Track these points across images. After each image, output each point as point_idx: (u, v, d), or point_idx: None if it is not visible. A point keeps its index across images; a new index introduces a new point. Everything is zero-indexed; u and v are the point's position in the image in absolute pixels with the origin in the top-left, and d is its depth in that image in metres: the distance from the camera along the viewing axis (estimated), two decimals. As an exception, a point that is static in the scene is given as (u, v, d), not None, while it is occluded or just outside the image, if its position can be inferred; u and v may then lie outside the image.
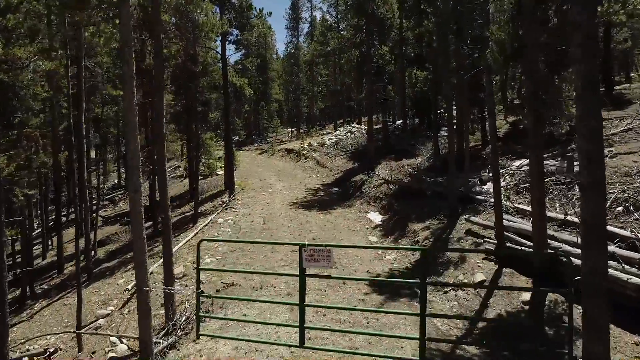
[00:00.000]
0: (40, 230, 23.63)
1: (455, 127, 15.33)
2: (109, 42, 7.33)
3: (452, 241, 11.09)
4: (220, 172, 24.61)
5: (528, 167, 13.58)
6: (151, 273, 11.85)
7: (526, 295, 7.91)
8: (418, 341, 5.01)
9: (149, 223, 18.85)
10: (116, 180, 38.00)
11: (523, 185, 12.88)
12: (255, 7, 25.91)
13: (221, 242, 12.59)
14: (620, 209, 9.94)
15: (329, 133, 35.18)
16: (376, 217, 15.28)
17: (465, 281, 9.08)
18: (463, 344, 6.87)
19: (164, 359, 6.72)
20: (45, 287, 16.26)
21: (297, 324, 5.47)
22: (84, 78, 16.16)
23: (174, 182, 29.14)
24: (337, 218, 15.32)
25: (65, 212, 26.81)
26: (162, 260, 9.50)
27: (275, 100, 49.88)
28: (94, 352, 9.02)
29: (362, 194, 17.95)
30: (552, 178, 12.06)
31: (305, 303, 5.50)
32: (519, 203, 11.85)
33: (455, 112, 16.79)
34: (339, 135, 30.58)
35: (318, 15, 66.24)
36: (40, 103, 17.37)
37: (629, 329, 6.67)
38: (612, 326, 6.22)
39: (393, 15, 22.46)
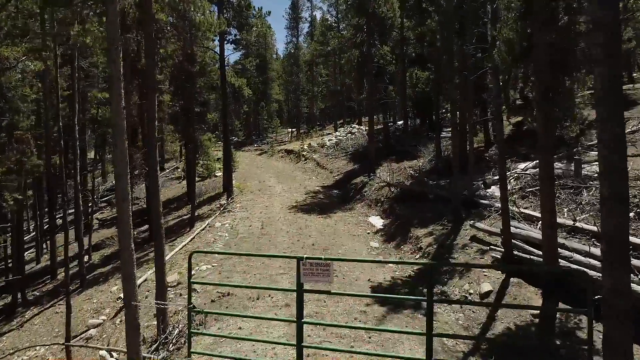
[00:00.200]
0: (34, 233, 23.24)
1: (458, 128, 14.94)
2: (97, 41, 6.96)
3: (456, 248, 10.70)
4: (219, 173, 24.21)
5: (534, 170, 13.20)
6: (145, 280, 11.49)
7: (536, 307, 7.55)
8: (424, 363, 4.64)
9: (145, 227, 18.48)
10: (114, 182, 37.55)
11: (529, 189, 12.50)
12: (254, 6, 25.44)
13: (217, 249, 12.21)
14: (631, 214, 9.52)
15: (329, 134, 34.75)
16: (377, 222, 14.89)
17: (471, 291, 8.70)
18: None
19: (153, 377, 6.36)
20: (38, 293, 15.86)
21: (295, 343, 5.12)
22: (77, 78, 15.78)
23: (172, 184, 28.79)
24: (337, 222, 14.94)
25: (61, 215, 26.40)
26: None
27: (275, 100, 49.47)
28: (83, 365, 8.67)
29: (363, 197, 17.54)
30: (559, 182, 11.67)
31: (304, 320, 5.14)
32: (525, 208, 11.46)
33: (458, 113, 16.40)
34: (339, 136, 30.18)
35: (318, 14, 65.73)
36: (33, 104, 16.97)
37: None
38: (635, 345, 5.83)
39: (394, 14, 22.04)
